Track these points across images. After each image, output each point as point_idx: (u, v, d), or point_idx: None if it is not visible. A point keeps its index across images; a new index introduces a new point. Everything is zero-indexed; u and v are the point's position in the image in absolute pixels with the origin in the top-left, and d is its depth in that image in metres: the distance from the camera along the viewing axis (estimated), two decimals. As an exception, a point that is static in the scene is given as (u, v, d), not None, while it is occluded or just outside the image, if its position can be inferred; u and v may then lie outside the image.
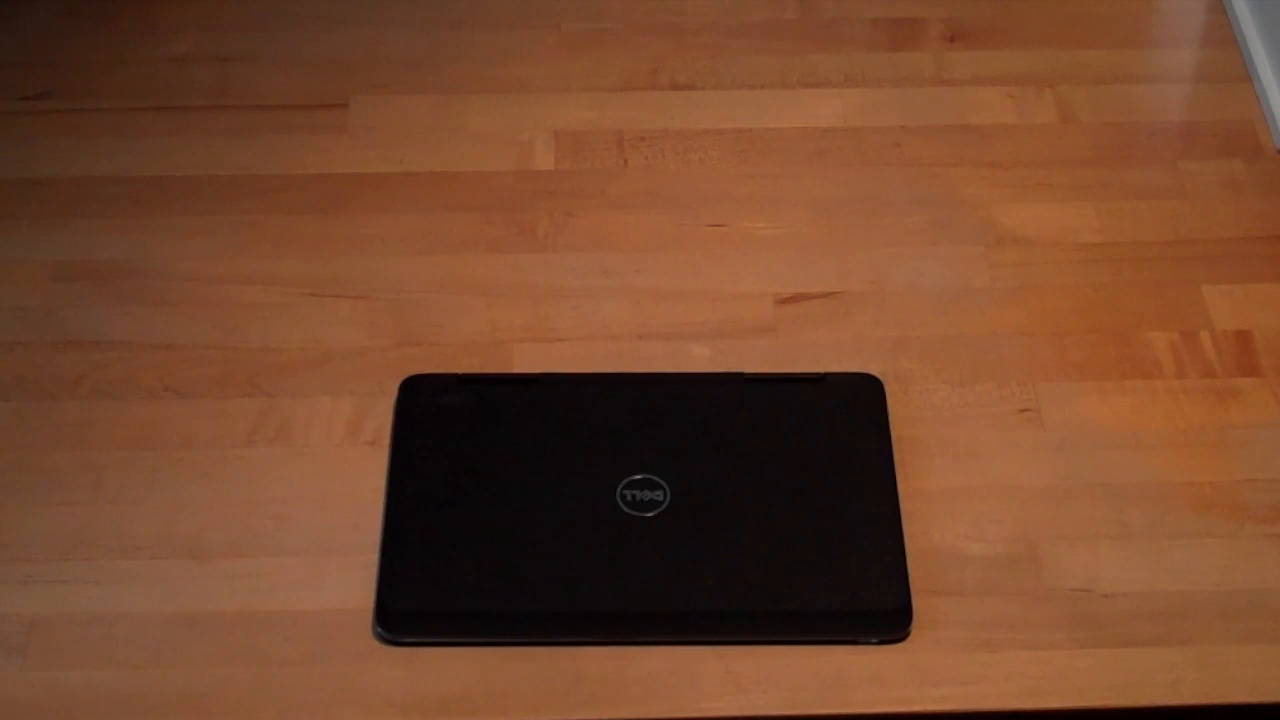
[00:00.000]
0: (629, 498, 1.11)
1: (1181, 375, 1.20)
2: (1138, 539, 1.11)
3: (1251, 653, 1.06)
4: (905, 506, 1.11)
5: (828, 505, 1.11)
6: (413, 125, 1.36)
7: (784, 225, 1.30)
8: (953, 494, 1.13)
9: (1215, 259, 1.27)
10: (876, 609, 1.07)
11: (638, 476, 1.12)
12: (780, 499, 1.11)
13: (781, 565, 1.09)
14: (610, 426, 1.16)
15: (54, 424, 1.17)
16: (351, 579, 1.09)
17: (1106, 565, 1.10)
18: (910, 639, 1.07)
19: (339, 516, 1.12)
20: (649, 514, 1.11)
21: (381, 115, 1.37)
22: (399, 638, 1.06)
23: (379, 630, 1.06)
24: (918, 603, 1.07)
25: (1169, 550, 1.11)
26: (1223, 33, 1.44)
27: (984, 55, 1.42)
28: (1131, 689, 1.05)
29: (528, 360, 1.21)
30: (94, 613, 1.08)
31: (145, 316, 1.23)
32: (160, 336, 1.22)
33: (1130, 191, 1.32)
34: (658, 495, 1.11)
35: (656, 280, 1.26)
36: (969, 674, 1.05)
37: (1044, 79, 1.40)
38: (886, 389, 1.17)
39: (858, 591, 1.08)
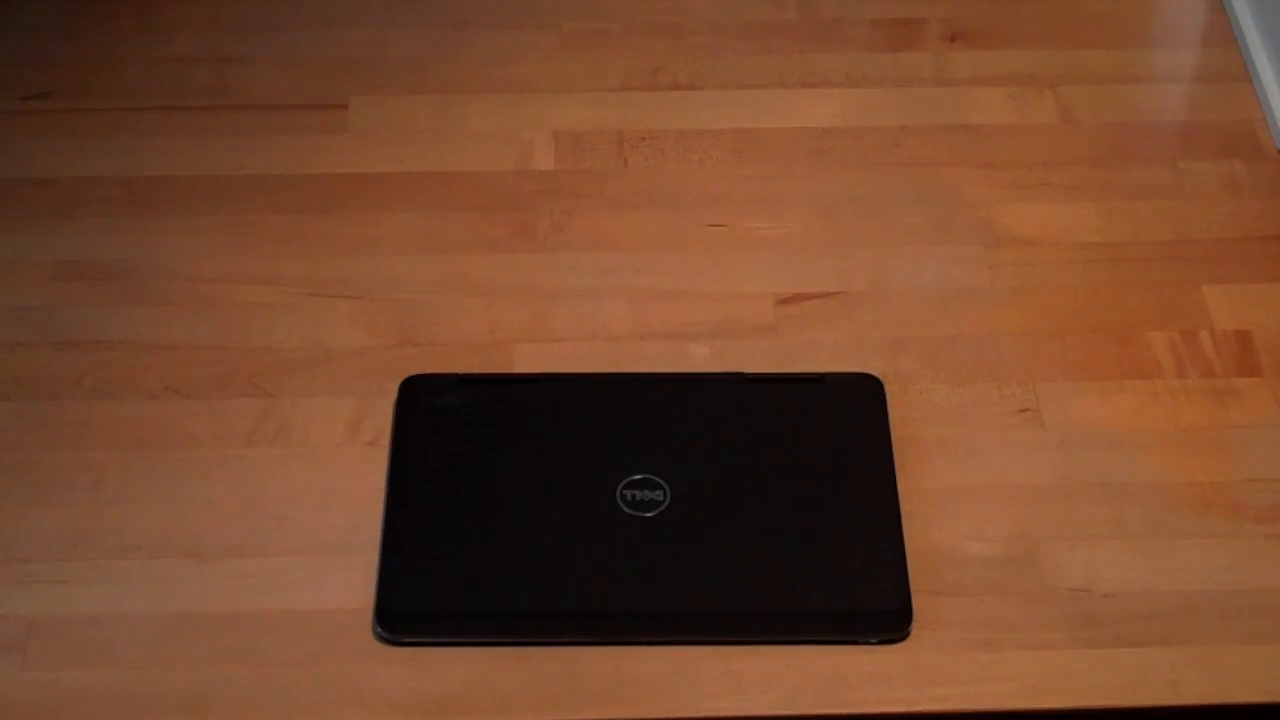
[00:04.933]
0: (629, 498, 1.11)
1: (1181, 375, 1.20)
2: (1138, 539, 1.11)
3: (1251, 653, 1.06)
4: (905, 506, 1.11)
5: (828, 505, 1.11)
6: (413, 125, 1.37)
7: (784, 225, 1.30)
8: (953, 494, 1.13)
9: (1215, 259, 1.27)
10: (876, 609, 1.07)
11: (638, 476, 1.12)
12: (780, 499, 1.11)
13: (781, 565, 1.09)
14: (610, 426, 1.16)
15: (54, 424, 1.17)
16: (351, 579, 1.09)
17: (1106, 565, 1.10)
18: (910, 639, 1.07)
19: (339, 516, 1.12)
20: (649, 514, 1.11)
21: (381, 115, 1.37)
22: (399, 638, 1.06)
23: (379, 630, 1.06)
24: (918, 603, 1.07)
25: (1169, 550, 1.11)
26: (1223, 33, 1.44)
27: (984, 55, 1.42)
28: (1131, 689, 1.05)
29: (528, 360, 1.21)
30: (94, 613, 1.08)
31: (145, 316, 1.23)
32: (160, 336, 1.22)
33: (1130, 191, 1.32)
34: (658, 495, 1.11)
35: (656, 280, 1.26)
36: (969, 674, 1.05)
37: (1044, 79, 1.40)
38: (886, 389, 1.17)
39: (858, 591, 1.07)
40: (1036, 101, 1.39)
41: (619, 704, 1.04)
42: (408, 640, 1.06)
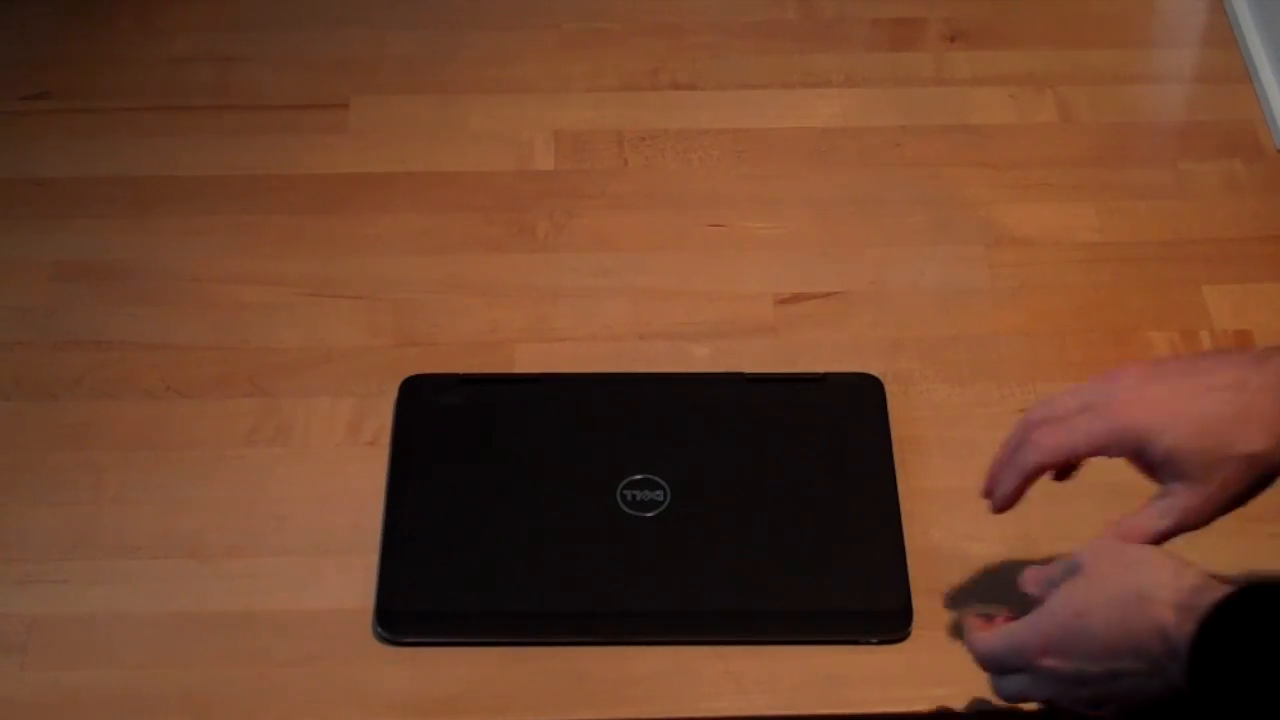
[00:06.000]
0: (629, 498, 1.11)
1: (1181, 375, 1.20)
2: (1138, 539, 1.11)
3: (1251, 653, 1.06)
4: (905, 506, 1.11)
5: (828, 505, 1.11)
6: (413, 125, 1.37)
7: (784, 225, 1.30)
8: (953, 494, 1.13)
9: (1215, 259, 1.27)
10: (876, 609, 1.07)
11: (638, 476, 1.12)
12: (780, 499, 1.11)
13: (781, 565, 1.09)
14: (610, 426, 1.16)
15: (54, 424, 1.17)
16: (351, 579, 1.09)
17: (1106, 565, 1.10)
18: (910, 639, 1.07)
19: (339, 516, 1.12)
20: (649, 514, 1.11)
21: (381, 115, 1.37)
22: (399, 638, 1.06)
23: (379, 630, 1.06)
24: (918, 603, 1.07)
25: (1169, 550, 1.11)
26: (1223, 33, 1.44)
27: (984, 55, 1.42)
28: (1131, 689, 1.05)
29: (528, 360, 1.21)
30: (94, 613, 1.08)
31: (145, 316, 1.23)
32: (160, 336, 1.22)
33: (1130, 191, 1.32)
34: (658, 495, 1.11)
35: (656, 280, 1.26)
36: (969, 674, 1.05)
37: (1044, 79, 1.40)
38: (886, 389, 1.17)
39: (858, 591, 1.08)
40: (1036, 101, 1.39)
41: (619, 704, 1.04)
42: (408, 640, 1.06)
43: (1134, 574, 0.90)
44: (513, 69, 1.41)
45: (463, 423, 1.16)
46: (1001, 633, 0.94)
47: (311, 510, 1.13)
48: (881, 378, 1.18)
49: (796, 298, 1.25)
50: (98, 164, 1.33)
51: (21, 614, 1.08)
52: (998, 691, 0.95)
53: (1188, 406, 0.94)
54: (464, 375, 1.19)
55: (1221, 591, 0.86)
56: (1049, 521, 1.12)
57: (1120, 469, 1.15)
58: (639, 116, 1.37)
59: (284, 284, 1.25)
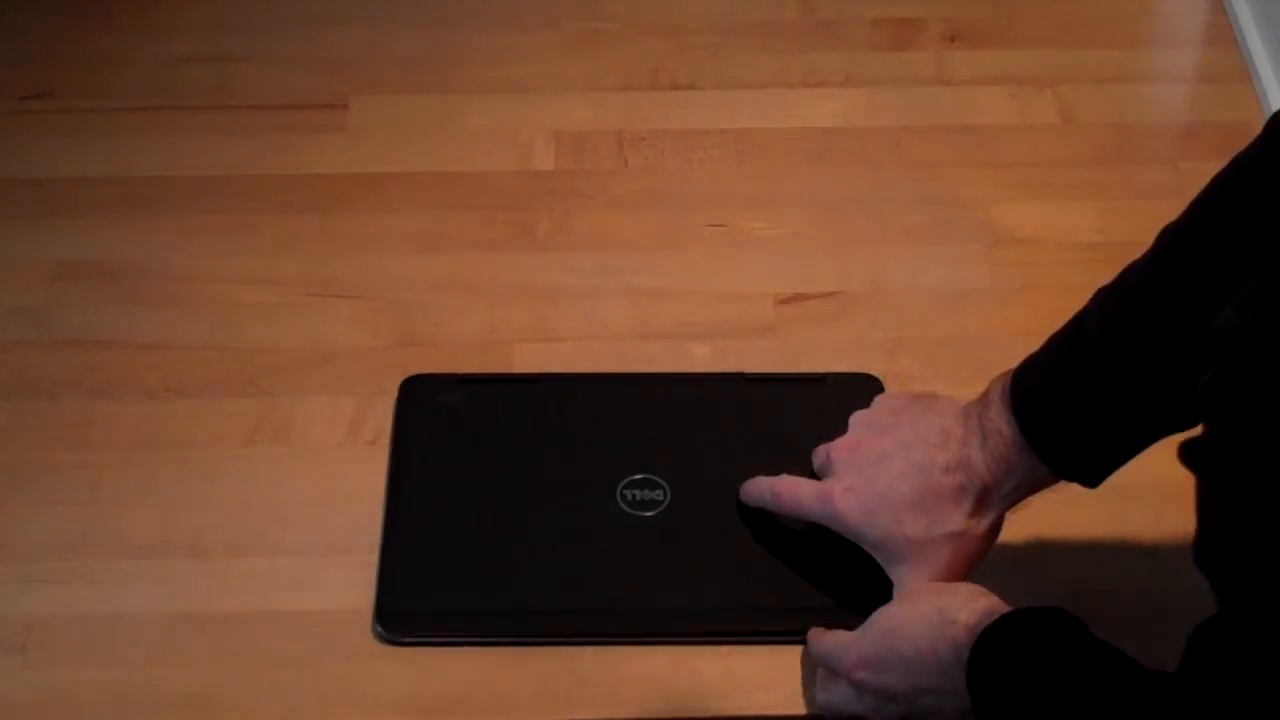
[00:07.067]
0: (629, 498, 1.11)
1: (1182, 375, 1.20)
2: (1138, 539, 1.11)
3: (1252, 653, 1.06)
4: (905, 506, 1.11)
5: (828, 505, 1.11)
6: (413, 125, 1.37)
7: (784, 225, 1.30)
8: (953, 494, 1.13)
9: (1215, 259, 1.27)
10: (877, 608, 1.07)
11: (638, 476, 1.12)
12: (780, 499, 1.11)
13: (781, 565, 1.09)
14: (610, 426, 1.16)
15: (53, 424, 1.17)
16: (351, 579, 1.09)
17: (1106, 565, 1.10)
18: (910, 639, 1.07)
19: (339, 516, 1.12)
20: (649, 514, 1.11)
21: (381, 115, 1.37)
22: (399, 638, 1.06)
23: (379, 630, 1.06)
24: (918, 603, 1.07)
25: (1169, 550, 1.11)
26: (1223, 33, 1.44)
27: (984, 55, 1.42)
28: (1132, 689, 1.05)
29: (528, 360, 1.21)
30: (94, 613, 1.08)
31: (144, 316, 1.23)
32: (159, 336, 1.22)
33: (1130, 191, 1.32)
34: (658, 495, 1.11)
35: (656, 280, 1.26)
36: (969, 674, 1.05)
37: (1044, 79, 1.40)
38: (886, 389, 1.17)
39: (859, 591, 1.07)
40: (1036, 101, 1.39)
41: (619, 704, 1.04)
42: (408, 640, 1.06)
43: (940, 597, 0.94)
44: (512, 69, 1.41)
45: (462, 423, 1.16)
46: (829, 638, 0.99)
47: (311, 510, 1.13)
48: (881, 378, 1.18)
49: (796, 298, 1.25)
50: (97, 164, 1.33)
51: (21, 614, 1.07)
52: (818, 700, 1.00)
53: (883, 497, 1.00)
54: (464, 375, 1.19)
55: (1002, 613, 0.90)
56: (1049, 519, 1.12)
57: (1122, 470, 1.15)
58: (639, 116, 1.37)
59: (283, 284, 1.25)
